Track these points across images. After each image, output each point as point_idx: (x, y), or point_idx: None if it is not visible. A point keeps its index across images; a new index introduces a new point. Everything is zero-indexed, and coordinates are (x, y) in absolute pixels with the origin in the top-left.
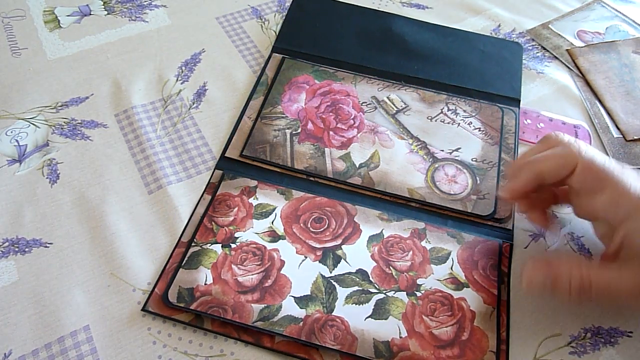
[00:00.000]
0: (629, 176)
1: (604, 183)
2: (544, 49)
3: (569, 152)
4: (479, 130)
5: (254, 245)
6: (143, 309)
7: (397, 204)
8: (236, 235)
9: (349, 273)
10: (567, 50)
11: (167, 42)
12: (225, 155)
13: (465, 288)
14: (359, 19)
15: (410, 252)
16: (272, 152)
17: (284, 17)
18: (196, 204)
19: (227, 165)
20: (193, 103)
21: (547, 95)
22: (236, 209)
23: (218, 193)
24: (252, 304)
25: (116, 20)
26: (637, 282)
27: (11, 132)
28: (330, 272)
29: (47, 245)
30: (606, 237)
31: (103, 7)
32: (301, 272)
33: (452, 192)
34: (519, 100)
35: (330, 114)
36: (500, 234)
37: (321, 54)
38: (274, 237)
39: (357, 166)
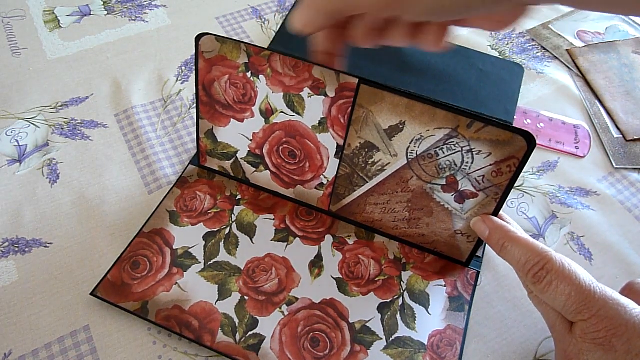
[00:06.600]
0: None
1: None
2: (544, 49)
3: None
4: None
5: None
6: (91, 294)
7: None
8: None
9: None
10: (567, 50)
11: (167, 42)
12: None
13: None
14: None
15: None
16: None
17: (284, 18)
18: (164, 196)
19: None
20: (193, 103)
21: (547, 95)
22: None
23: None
24: None
25: (116, 20)
26: None
27: (11, 132)
28: None
29: (47, 245)
30: None
31: (103, 7)
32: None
33: None
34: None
35: None
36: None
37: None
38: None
39: None
